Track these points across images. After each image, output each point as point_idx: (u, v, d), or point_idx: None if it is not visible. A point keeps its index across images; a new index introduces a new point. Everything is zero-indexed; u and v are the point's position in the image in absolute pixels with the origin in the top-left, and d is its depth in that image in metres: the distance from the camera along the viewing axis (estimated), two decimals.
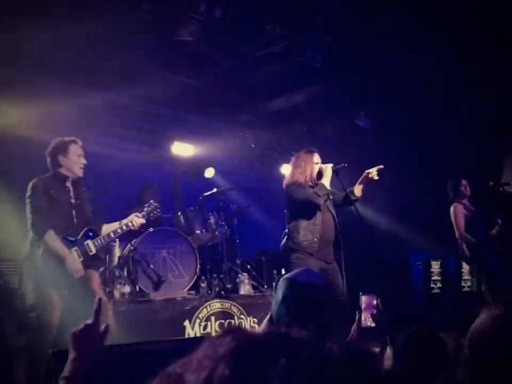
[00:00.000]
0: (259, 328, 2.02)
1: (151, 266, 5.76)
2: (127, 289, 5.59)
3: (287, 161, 8.61)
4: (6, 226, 6.04)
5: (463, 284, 8.28)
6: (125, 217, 6.49)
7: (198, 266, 6.09)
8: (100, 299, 1.83)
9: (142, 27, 5.64)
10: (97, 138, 6.49)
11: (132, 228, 4.62)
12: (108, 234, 4.47)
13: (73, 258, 4.20)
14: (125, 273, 5.80)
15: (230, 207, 7.05)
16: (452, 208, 6.43)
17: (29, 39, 4.95)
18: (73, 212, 4.39)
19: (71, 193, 4.43)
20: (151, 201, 4.88)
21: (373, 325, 2.56)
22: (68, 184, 4.42)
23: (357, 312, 2.60)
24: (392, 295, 5.77)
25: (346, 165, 5.00)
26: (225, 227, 6.73)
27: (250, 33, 6.11)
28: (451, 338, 2.15)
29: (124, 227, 4.55)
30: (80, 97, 6.36)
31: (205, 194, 6.89)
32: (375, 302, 2.59)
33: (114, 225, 4.60)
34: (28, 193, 4.26)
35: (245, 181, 8.12)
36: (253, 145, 8.65)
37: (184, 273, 6.03)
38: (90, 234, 4.38)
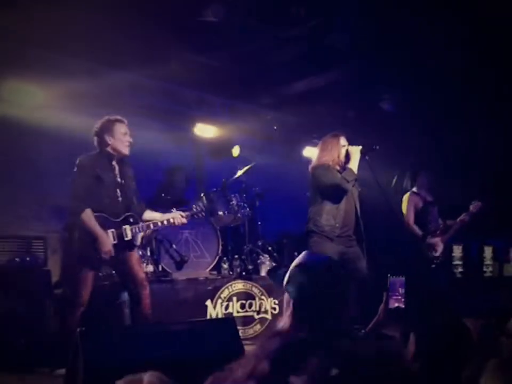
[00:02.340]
0: (282, 317, 2.00)
1: (174, 246, 5.84)
2: (150, 268, 5.67)
3: (310, 144, 8.62)
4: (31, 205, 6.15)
5: (484, 268, 8.23)
6: (152, 197, 6.63)
7: (220, 247, 6.15)
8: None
9: (165, 7, 5.62)
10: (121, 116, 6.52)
11: (173, 225, 4.65)
12: (148, 225, 4.54)
13: (105, 239, 4.26)
14: (148, 253, 5.87)
15: (252, 189, 7.06)
16: (404, 197, 6.57)
17: (49, 18, 4.96)
18: (118, 191, 4.46)
19: (117, 171, 4.50)
20: (199, 203, 4.91)
21: (401, 306, 2.57)
22: (114, 163, 4.49)
23: (384, 293, 2.60)
24: (416, 279, 5.78)
25: (377, 147, 4.91)
26: (247, 209, 6.74)
27: (274, 14, 6.06)
28: (477, 325, 2.14)
29: (166, 222, 4.60)
30: (102, 78, 6.38)
31: (230, 179, 6.91)
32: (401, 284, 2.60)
33: (156, 216, 4.65)
34: (75, 170, 4.34)
35: (267, 163, 8.10)
36: (275, 128, 8.62)
37: (206, 254, 6.10)
38: (131, 220, 4.44)
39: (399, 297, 2.58)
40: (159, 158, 7.37)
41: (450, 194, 7.14)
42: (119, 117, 4.53)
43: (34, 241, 5.25)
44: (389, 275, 2.60)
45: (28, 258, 5.09)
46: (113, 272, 4.63)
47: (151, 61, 6.37)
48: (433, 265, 6.39)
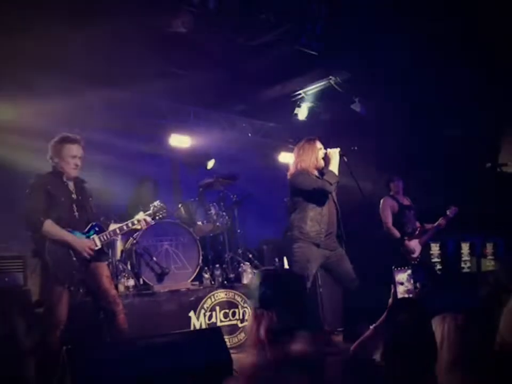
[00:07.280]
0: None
1: (154, 258, 5.80)
2: (131, 282, 5.62)
3: (285, 150, 8.67)
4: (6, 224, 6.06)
5: (462, 265, 8.35)
6: (125, 211, 6.58)
7: (201, 257, 6.13)
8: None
9: (136, 19, 5.62)
10: (94, 131, 6.47)
11: (138, 227, 4.60)
12: (114, 231, 4.47)
13: (77, 239, 4.20)
14: (128, 267, 5.83)
15: (230, 197, 7.05)
16: (381, 201, 6.71)
17: (26, 36, 4.93)
18: (74, 206, 4.38)
19: (71, 188, 4.42)
20: (158, 201, 4.80)
21: (410, 295, 2.56)
22: (67, 180, 4.41)
23: (392, 286, 2.59)
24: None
25: (356, 148, 4.86)
26: (226, 217, 6.74)
27: (244, 22, 6.10)
28: (454, 321, 2.15)
29: (130, 224, 4.54)
30: (77, 91, 6.34)
31: (201, 183, 6.88)
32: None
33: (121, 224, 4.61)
34: (26, 191, 4.27)
35: (243, 171, 8.11)
36: (250, 135, 8.65)
37: (187, 265, 6.07)
38: (96, 229, 4.38)
39: (406, 287, 2.59)
40: (135, 170, 7.34)
41: (428, 197, 7.25)
42: (72, 137, 4.38)
43: (12, 261, 5.17)
44: (393, 267, 2.60)
45: (6, 279, 5.01)
46: (85, 290, 4.53)
47: (124, 73, 6.35)
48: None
